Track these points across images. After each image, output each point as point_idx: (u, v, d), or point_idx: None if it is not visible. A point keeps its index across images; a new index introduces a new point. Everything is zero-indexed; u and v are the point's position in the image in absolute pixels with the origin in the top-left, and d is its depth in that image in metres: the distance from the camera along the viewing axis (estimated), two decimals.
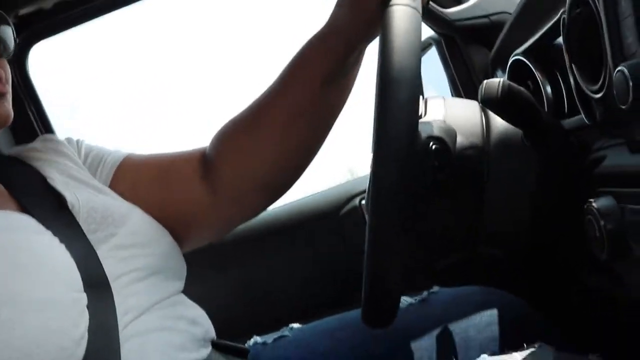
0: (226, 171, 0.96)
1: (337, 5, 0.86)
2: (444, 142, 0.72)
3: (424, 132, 0.72)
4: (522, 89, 0.71)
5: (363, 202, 1.51)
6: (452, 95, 1.36)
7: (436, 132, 0.73)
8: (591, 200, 0.63)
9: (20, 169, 0.95)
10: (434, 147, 0.72)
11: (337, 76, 0.89)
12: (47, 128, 1.55)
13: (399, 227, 0.60)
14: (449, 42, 1.29)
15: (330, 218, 1.53)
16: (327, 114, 0.93)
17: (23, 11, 1.43)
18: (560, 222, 0.73)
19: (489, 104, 0.70)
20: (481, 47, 1.28)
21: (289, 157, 0.95)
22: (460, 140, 0.74)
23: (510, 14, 1.24)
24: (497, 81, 0.69)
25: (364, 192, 1.51)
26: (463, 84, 1.30)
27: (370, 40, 0.87)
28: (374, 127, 0.63)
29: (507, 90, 0.68)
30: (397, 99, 0.60)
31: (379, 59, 0.64)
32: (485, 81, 0.70)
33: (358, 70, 0.91)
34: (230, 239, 1.12)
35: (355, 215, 1.51)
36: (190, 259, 0.97)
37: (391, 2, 0.66)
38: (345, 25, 0.85)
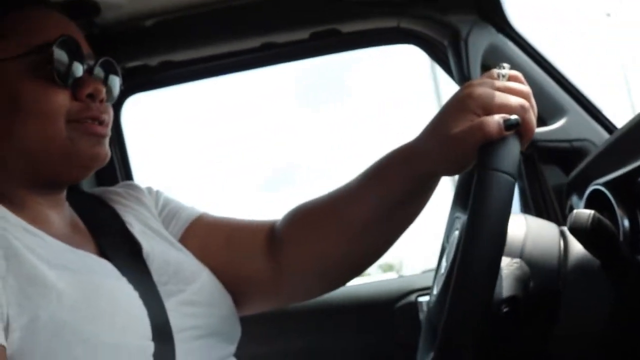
0: (290, 254, 0.98)
1: (428, 133, 0.84)
2: (516, 301, 0.73)
3: (496, 294, 0.73)
4: (609, 222, 0.73)
5: (420, 299, 1.51)
6: (521, 208, 1.37)
7: (508, 291, 0.74)
8: None
9: (102, 209, 1.00)
10: (505, 310, 0.73)
11: (413, 196, 0.89)
12: (128, 175, 1.63)
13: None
14: (527, 159, 1.32)
15: (384, 309, 1.54)
16: (398, 228, 0.94)
17: (129, 64, 1.53)
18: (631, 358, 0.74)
19: (576, 233, 0.72)
20: (557, 168, 1.30)
21: (353, 258, 0.97)
22: (534, 284, 0.76)
23: (592, 142, 1.27)
24: (587, 213, 0.71)
25: (421, 289, 1.52)
26: (535, 201, 1.31)
27: (454, 174, 0.86)
28: (454, 277, 0.65)
29: (597, 223, 0.70)
30: (478, 274, 0.63)
31: (468, 221, 0.66)
32: (575, 211, 0.72)
33: (434, 191, 0.91)
34: (280, 310, 1.15)
35: (410, 311, 1.51)
36: None
37: (492, 166, 0.69)
38: (433, 156, 0.82)
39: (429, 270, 1.61)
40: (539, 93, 1.34)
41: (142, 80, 1.58)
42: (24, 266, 0.77)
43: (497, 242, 0.64)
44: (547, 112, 1.35)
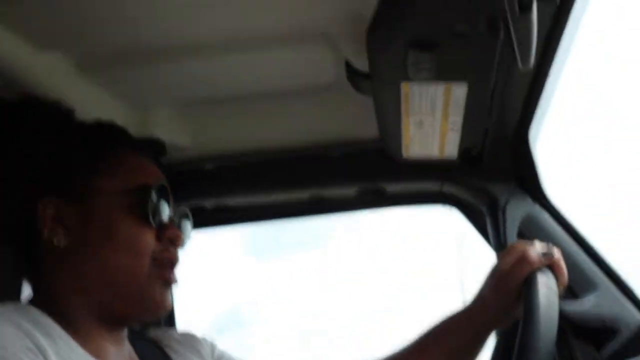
0: None
1: (485, 283, 1.02)
2: None
3: None
4: None
5: None
6: None
7: None
8: None
9: (158, 354, 1.06)
10: None
11: (472, 350, 1.02)
12: (171, 320, 1.69)
13: None
14: (560, 332, 1.34)
15: None
16: None
17: (185, 205, 1.62)
18: None
19: None
20: (589, 344, 1.32)
21: None
22: None
23: (625, 321, 1.28)
24: None
25: None
26: None
27: (505, 323, 1.01)
28: None
29: None
30: None
31: (520, 339, 0.81)
32: None
33: (484, 346, 1.04)
34: None
35: None
36: None
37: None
38: (489, 302, 1.00)
39: None
40: (572, 265, 1.37)
41: (196, 221, 1.66)
42: None
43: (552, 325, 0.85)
44: (579, 285, 1.38)
